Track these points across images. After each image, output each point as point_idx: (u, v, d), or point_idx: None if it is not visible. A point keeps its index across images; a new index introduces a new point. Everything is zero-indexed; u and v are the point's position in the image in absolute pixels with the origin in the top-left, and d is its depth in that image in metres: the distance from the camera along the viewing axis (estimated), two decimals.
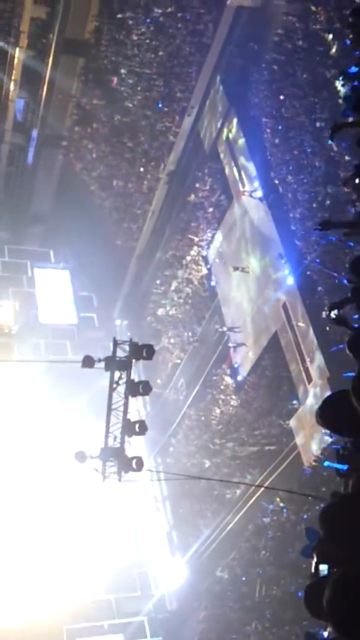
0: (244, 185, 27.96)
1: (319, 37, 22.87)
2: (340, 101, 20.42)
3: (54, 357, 33.84)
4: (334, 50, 22.53)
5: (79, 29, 31.53)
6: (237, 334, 28.93)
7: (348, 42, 20.60)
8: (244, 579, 26.93)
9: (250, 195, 27.21)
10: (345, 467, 10.68)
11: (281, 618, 23.42)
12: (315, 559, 9.99)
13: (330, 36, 22.66)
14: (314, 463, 22.34)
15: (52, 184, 38.59)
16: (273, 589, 24.68)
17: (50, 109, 34.31)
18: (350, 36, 21.03)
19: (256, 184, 26.86)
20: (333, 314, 13.67)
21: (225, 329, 29.64)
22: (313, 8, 22.98)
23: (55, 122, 35.18)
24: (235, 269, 28.26)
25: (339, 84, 21.72)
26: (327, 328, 21.16)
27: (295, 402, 24.78)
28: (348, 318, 14.00)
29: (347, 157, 20.70)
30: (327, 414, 4.40)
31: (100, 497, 30.99)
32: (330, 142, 20.76)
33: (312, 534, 9.65)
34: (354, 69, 17.44)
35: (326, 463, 19.09)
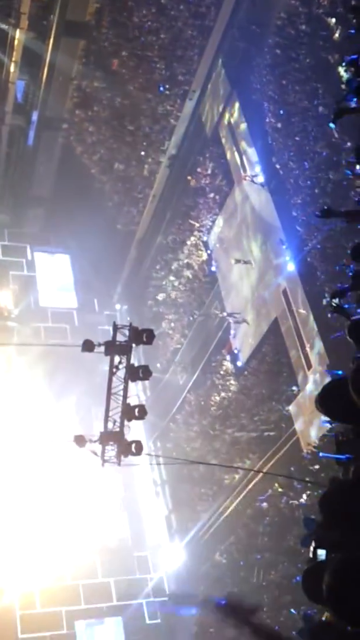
0: (245, 170, 27.83)
1: (322, 21, 22.67)
2: (343, 86, 20.28)
3: (53, 341, 33.83)
4: (337, 34, 22.35)
5: (80, 11, 31.23)
6: (238, 319, 28.92)
7: (353, 30, 20.43)
8: (242, 563, 27.10)
9: (252, 181, 27.08)
10: (343, 456, 10.72)
11: (279, 602, 23.59)
12: (313, 544, 10.05)
13: (334, 20, 22.47)
14: (312, 449, 22.41)
15: (53, 166, 38.37)
16: (271, 573, 24.84)
17: (50, 91, 34.06)
18: (354, 21, 20.89)
19: (258, 169, 26.73)
20: (334, 302, 13.65)
21: (225, 314, 29.62)
22: None
23: (55, 104, 34.92)
24: (237, 261, 28.11)
25: (341, 69, 21.58)
26: (329, 315, 21.14)
27: (294, 388, 24.82)
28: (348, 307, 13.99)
29: (349, 144, 20.58)
30: (326, 401, 4.43)
31: (99, 481, 31.17)
32: (332, 126, 20.63)
33: (310, 523, 9.69)
34: (354, 57, 17.32)
35: (321, 454, 19.12)
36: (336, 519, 3.55)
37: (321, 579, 3.57)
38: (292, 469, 23.70)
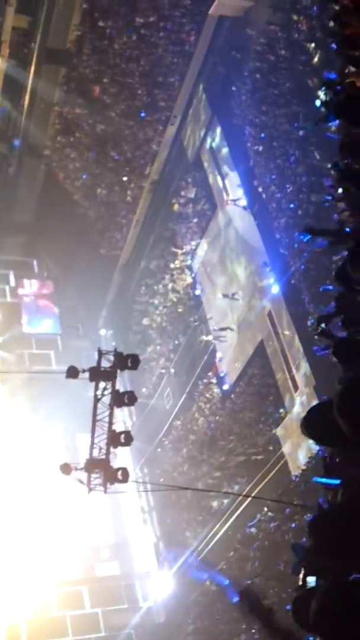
0: (228, 194, 27.97)
1: (301, 46, 22.97)
2: (322, 108, 20.48)
3: (38, 368, 33.59)
4: (316, 59, 22.62)
5: (61, 39, 31.43)
6: (223, 343, 28.87)
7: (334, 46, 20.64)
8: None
9: (235, 204, 27.21)
10: (336, 481, 10.61)
11: None
12: (303, 571, 9.88)
13: (313, 45, 22.75)
14: (301, 472, 22.26)
15: (35, 193, 38.39)
16: (262, 599, 24.47)
17: (32, 118, 34.16)
18: (333, 45, 21.16)
19: (240, 192, 26.87)
20: (321, 327, 13.61)
21: (211, 337, 29.55)
22: (295, 17, 23.08)
23: (37, 131, 35.00)
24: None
25: (321, 93, 21.78)
26: (315, 337, 21.11)
27: (281, 410, 24.73)
28: (334, 331, 13.94)
29: (329, 166, 20.72)
30: (312, 425, 4.39)
31: (86, 509, 30.77)
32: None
33: (299, 549, 9.54)
34: (332, 75, 17.49)
35: (315, 478, 18.99)
36: (325, 544, 3.50)
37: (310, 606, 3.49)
38: (280, 492, 23.51)
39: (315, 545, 3.59)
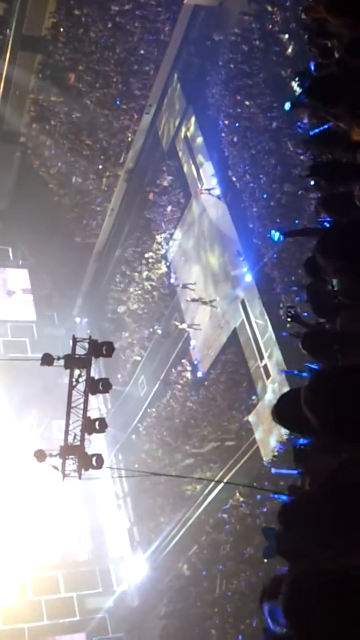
0: (202, 183, 28.14)
1: (275, 37, 23.11)
2: (296, 92, 20.69)
3: (13, 355, 33.59)
4: (290, 50, 22.80)
5: (36, 26, 31.27)
6: (197, 331, 29.14)
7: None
8: (204, 573, 27.15)
9: (209, 193, 27.40)
10: (295, 472, 10.90)
11: (242, 612, 23.70)
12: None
13: (286, 36, 22.92)
14: (273, 458, 22.64)
15: (10, 180, 38.23)
16: (233, 583, 24.93)
17: (7, 106, 33.98)
18: (306, 37, 21.34)
19: (214, 182, 27.06)
20: (290, 311, 13.90)
21: (185, 325, 29.80)
22: (269, 8, 23.21)
23: (12, 118, 34.82)
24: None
25: (295, 84, 21.99)
26: (287, 325, 21.41)
27: (254, 397, 25.07)
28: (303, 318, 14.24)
29: (302, 157, 20.99)
30: (283, 412, 4.43)
31: (60, 495, 30.94)
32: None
33: (269, 532, 9.79)
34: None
35: (274, 470, 19.25)
36: (295, 531, 3.56)
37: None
38: (252, 478, 23.88)
39: (285, 533, 3.65)
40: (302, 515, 3.49)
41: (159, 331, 30.97)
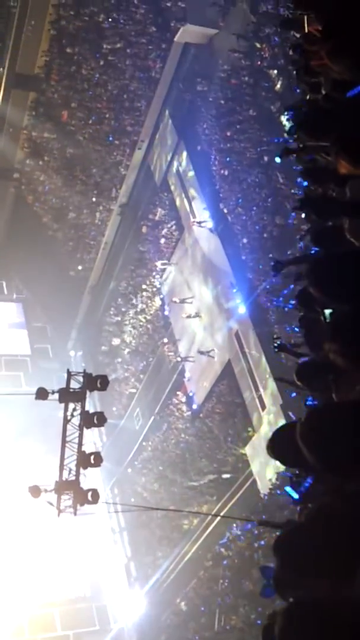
0: (194, 217, 28.39)
1: (264, 73, 23.56)
2: (286, 126, 21.01)
3: (7, 390, 33.47)
4: (278, 85, 23.22)
5: (29, 64, 31.82)
6: (192, 364, 29.15)
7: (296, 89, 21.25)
8: (203, 609, 26.80)
9: (200, 225, 27.63)
10: (297, 496, 10.86)
11: None
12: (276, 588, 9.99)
13: (275, 72, 23.36)
14: (269, 490, 22.50)
15: (4, 215, 38.53)
16: (232, 618, 24.60)
17: (1, 142, 34.38)
18: (294, 72, 21.74)
19: (206, 215, 27.31)
20: (277, 342, 14.03)
21: (179, 358, 29.84)
22: (258, 45, 23.68)
23: (6, 154, 35.23)
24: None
25: (284, 119, 22.36)
26: (282, 355, 21.46)
27: (249, 429, 24.99)
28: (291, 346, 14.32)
29: (292, 191, 21.25)
30: (277, 446, 4.44)
31: (56, 531, 30.58)
32: (278, 160, 21.26)
33: (268, 571, 9.70)
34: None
35: (287, 488, 19.19)
36: (291, 561, 3.44)
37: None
38: (249, 510, 23.72)
39: (280, 563, 3.47)
40: (292, 546, 3.41)
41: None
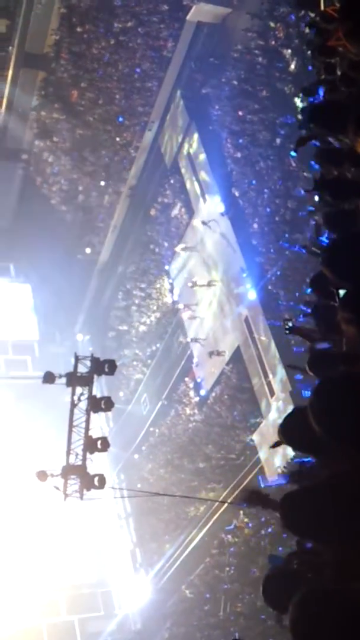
0: (205, 200, 28.01)
1: (278, 53, 23.10)
2: (299, 116, 20.62)
3: (14, 374, 33.33)
4: (292, 66, 22.76)
5: (39, 43, 31.35)
6: (201, 348, 28.87)
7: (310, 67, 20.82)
8: (208, 596, 26.72)
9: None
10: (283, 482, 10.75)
11: (246, 634, 23.24)
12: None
13: (289, 52, 22.89)
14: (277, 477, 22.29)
15: (12, 197, 38.19)
16: (238, 605, 24.51)
17: (9, 123, 34.02)
18: (309, 53, 21.29)
19: (217, 198, 26.91)
20: (287, 324, 13.77)
21: (189, 339, 29.47)
22: (272, 25, 23.21)
23: (15, 135, 34.87)
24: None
25: (298, 100, 21.93)
26: (291, 341, 21.19)
27: (258, 416, 24.75)
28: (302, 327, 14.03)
29: (305, 173, 20.85)
30: (289, 432, 4.38)
31: (62, 516, 30.52)
32: (293, 154, 20.93)
33: (275, 559, 9.51)
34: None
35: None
36: (292, 522, 3.54)
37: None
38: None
39: (283, 522, 3.58)
40: (300, 506, 3.46)
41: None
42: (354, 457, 3.39)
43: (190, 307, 29.18)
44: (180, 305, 29.86)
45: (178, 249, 29.76)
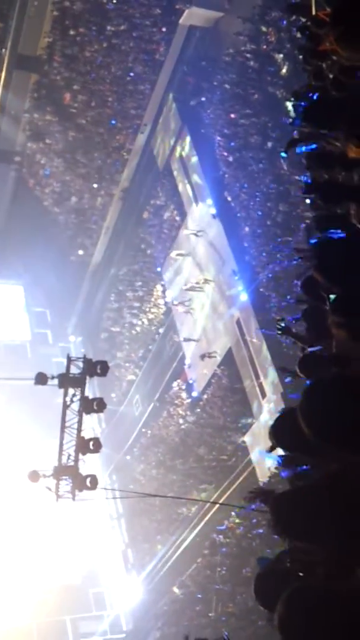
0: (197, 203, 28.15)
1: (269, 57, 23.25)
2: (290, 117, 20.76)
3: (6, 375, 33.32)
4: (284, 70, 22.92)
5: (32, 45, 31.39)
6: (193, 349, 28.99)
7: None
8: (199, 596, 26.80)
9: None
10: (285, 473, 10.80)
11: (238, 635, 23.33)
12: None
13: (281, 56, 23.05)
14: (269, 478, 22.41)
15: (5, 199, 38.21)
16: (229, 606, 24.60)
17: (2, 125, 34.04)
18: (300, 57, 21.43)
19: (209, 201, 27.06)
20: (280, 324, 13.86)
21: (182, 338, 29.54)
22: (264, 29, 23.37)
23: (7, 137, 34.88)
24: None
25: (289, 104, 22.07)
26: (283, 344, 21.31)
27: (250, 417, 24.88)
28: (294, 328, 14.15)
29: (297, 177, 20.99)
30: (279, 433, 4.43)
31: (54, 517, 30.51)
32: (283, 155, 21.06)
33: (265, 561, 9.59)
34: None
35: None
36: (283, 523, 3.57)
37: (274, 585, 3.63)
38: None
39: (274, 522, 3.61)
40: (291, 506, 3.50)
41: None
42: (343, 458, 3.44)
43: (184, 303, 29.23)
44: (175, 302, 29.92)
45: (173, 254, 29.82)
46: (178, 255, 29.50)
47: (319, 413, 3.17)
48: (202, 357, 27.79)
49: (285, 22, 22.46)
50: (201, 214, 27.86)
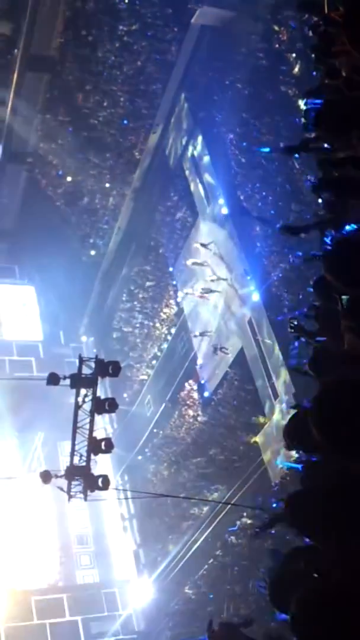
0: (209, 203, 28.12)
1: (282, 56, 23.19)
2: (303, 119, 20.67)
3: (18, 375, 33.42)
4: (296, 69, 22.84)
5: (44, 45, 31.42)
6: (205, 349, 28.91)
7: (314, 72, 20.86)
8: (211, 597, 26.76)
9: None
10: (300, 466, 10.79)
11: (249, 635, 23.25)
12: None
13: (294, 55, 22.97)
14: (281, 479, 22.35)
15: (17, 199, 38.31)
16: (241, 607, 24.53)
17: (15, 125, 34.13)
18: (313, 56, 21.34)
19: (221, 201, 27.01)
20: (292, 322, 13.85)
21: (197, 333, 29.32)
22: (276, 28, 23.30)
23: (20, 138, 34.98)
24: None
25: (301, 103, 21.98)
26: (295, 344, 21.21)
27: (262, 418, 24.81)
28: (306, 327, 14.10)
29: (309, 176, 20.90)
30: (293, 434, 4.45)
31: (66, 517, 30.64)
32: (296, 156, 21.00)
33: (278, 554, 9.57)
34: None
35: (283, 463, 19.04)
36: (298, 521, 3.69)
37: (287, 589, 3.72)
38: (260, 499, 23.57)
39: (290, 519, 3.75)
40: (307, 506, 3.58)
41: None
42: (355, 462, 3.44)
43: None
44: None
45: (189, 262, 29.54)
46: (194, 264, 29.28)
47: (329, 420, 3.23)
48: (215, 349, 27.56)
49: (297, 21, 22.38)
50: (213, 213, 27.80)
